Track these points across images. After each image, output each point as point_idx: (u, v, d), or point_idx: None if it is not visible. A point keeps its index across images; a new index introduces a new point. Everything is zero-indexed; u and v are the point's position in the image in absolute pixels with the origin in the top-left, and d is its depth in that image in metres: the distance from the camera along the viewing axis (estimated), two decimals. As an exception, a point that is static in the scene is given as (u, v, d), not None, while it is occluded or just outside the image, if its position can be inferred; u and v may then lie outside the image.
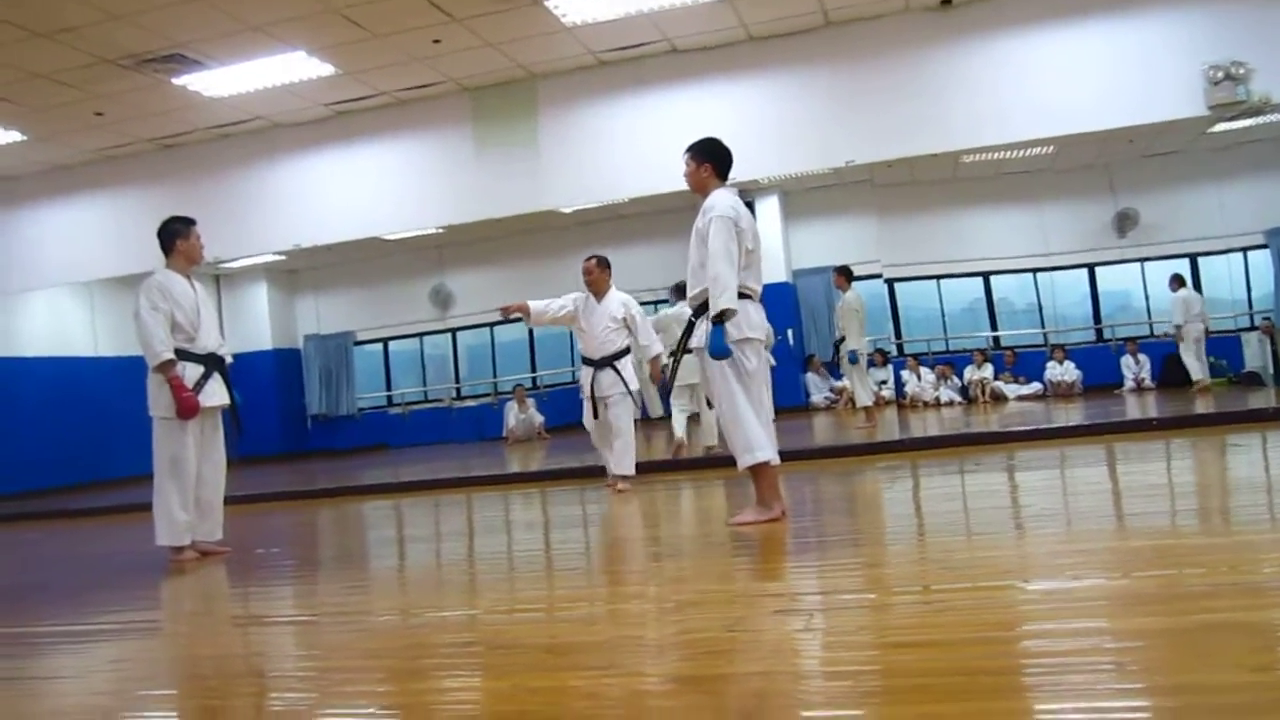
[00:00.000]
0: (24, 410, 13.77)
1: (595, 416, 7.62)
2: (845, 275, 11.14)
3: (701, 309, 5.17)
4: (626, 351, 7.57)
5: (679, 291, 8.64)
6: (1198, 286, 15.11)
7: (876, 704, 2.35)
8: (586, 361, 7.68)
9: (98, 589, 5.58)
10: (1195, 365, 13.35)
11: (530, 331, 17.76)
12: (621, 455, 7.57)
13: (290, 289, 18.47)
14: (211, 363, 6.05)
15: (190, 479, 5.94)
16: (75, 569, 6.75)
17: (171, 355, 5.80)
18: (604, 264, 7.75)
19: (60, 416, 14.13)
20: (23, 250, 12.17)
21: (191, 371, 5.92)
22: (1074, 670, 2.37)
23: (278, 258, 15.22)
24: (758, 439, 5.08)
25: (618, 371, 7.52)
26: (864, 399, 11.24)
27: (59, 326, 15.12)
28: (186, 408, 5.78)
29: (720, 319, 5.03)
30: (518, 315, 7.65)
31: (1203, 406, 10.31)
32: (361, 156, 11.12)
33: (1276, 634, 2.58)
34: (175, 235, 6.06)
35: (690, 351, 5.36)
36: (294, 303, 18.58)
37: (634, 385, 7.60)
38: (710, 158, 5.27)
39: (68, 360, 14.86)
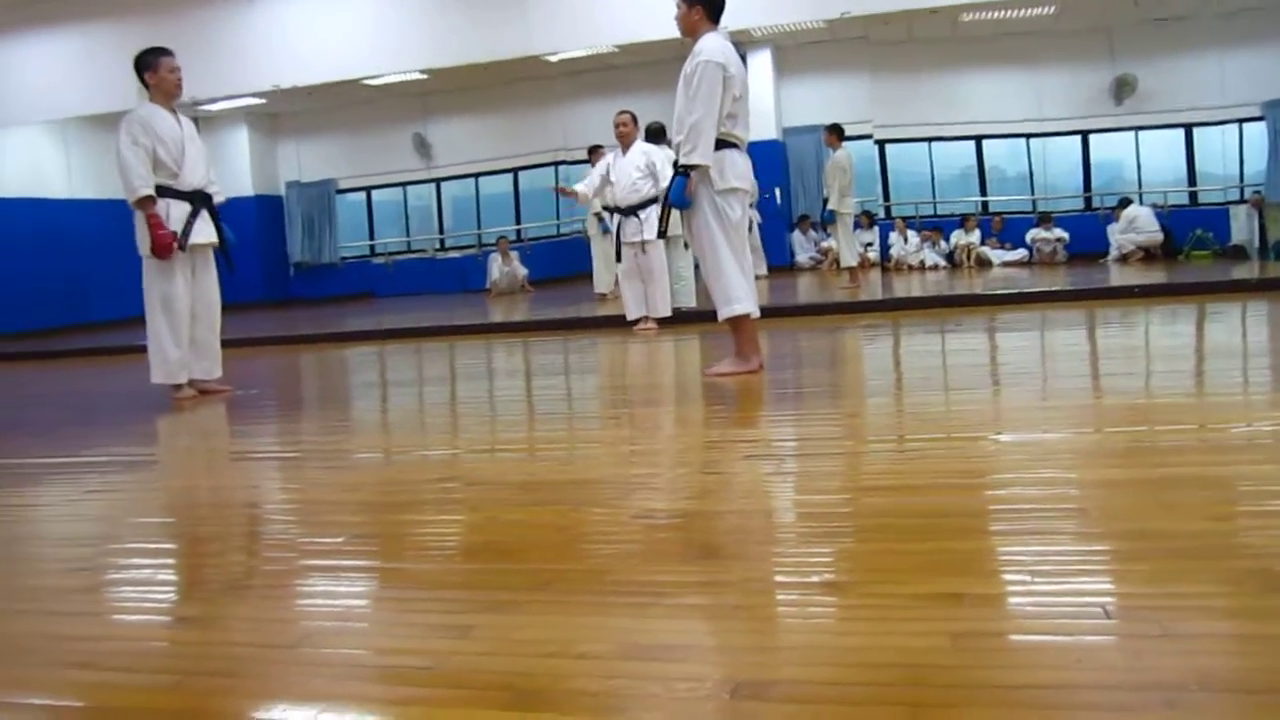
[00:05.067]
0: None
1: (619, 260, 8.25)
2: (836, 133, 10.99)
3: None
4: (654, 200, 7.92)
5: (651, 135, 8.74)
6: (1190, 157, 14.96)
7: (843, 542, 2.39)
8: (615, 209, 8.29)
9: (88, 425, 5.62)
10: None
11: (516, 184, 17.54)
12: (655, 298, 8.20)
13: (272, 134, 18.09)
14: (198, 200, 5.91)
15: (182, 317, 5.88)
16: (66, 407, 6.78)
17: (150, 191, 5.65)
18: (635, 118, 8.29)
19: (36, 259, 13.94)
20: (-5, 85, 11.84)
21: (176, 210, 5.78)
22: (1037, 516, 2.42)
23: (258, 101, 14.84)
24: (739, 290, 5.07)
25: (643, 220, 8.03)
26: (849, 259, 11.22)
27: (34, 167, 14.79)
28: (161, 245, 5.68)
29: (688, 170, 4.97)
30: (571, 194, 8.63)
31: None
32: (344, -5, 10.77)
33: (1237, 488, 2.63)
34: (143, 68, 5.85)
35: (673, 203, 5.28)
36: (275, 148, 18.22)
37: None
38: (701, 0, 5.12)
39: (43, 202, 14.61)
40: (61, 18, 11.46)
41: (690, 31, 5.15)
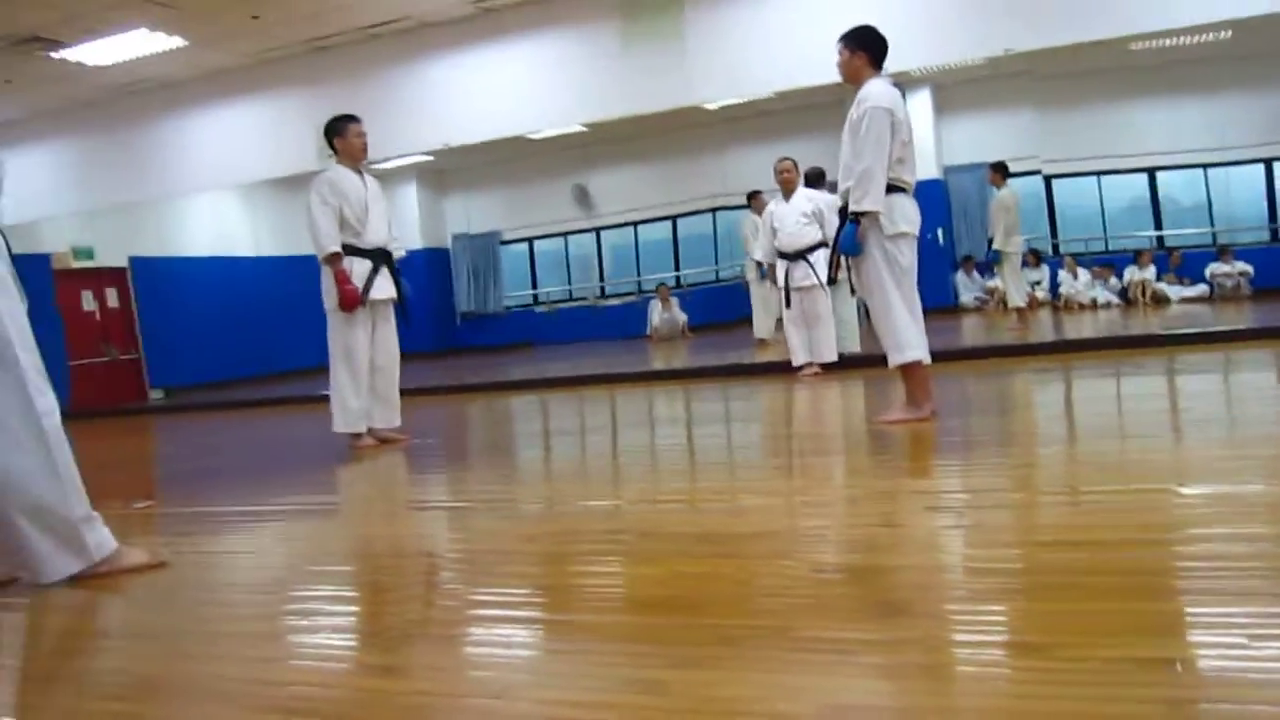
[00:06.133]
0: (192, 307, 14.51)
1: (789, 306, 8.18)
2: (1000, 172, 10.78)
3: None
4: (820, 245, 7.99)
5: (810, 180, 8.67)
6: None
7: (1022, 600, 2.32)
8: (782, 255, 8.25)
9: (274, 474, 5.91)
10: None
11: (674, 231, 17.73)
12: (820, 342, 8.17)
13: (439, 189, 18.82)
14: (379, 257, 6.20)
15: (363, 369, 6.17)
16: (252, 455, 7.15)
17: (337, 248, 5.97)
18: (796, 165, 8.36)
19: (225, 314, 14.85)
20: (187, 154, 12.64)
21: (359, 266, 6.08)
22: (1231, 574, 2.29)
23: (426, 158, 15.46)
24: (909, 337, 5.00)
25: (810, 264, 8.02)
26: (1016, 299, 10.93)
27: (222, 228, 15.78)
28: (348, 300, 5.99)
29: (858, 216, 4.95)
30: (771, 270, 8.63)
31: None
32: (507, 55, 11.13)
33: None
34: (332, 134, 6.22)
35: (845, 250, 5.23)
36: (442, 202, 18.94)
37: (824, 276, 7.87)
38: (864, 46, 5.10)
39: (231, 260, 15.53)
40: (247, 88, 12.18)
41: (853, 78, 5.13)
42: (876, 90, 4.97)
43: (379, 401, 6.32)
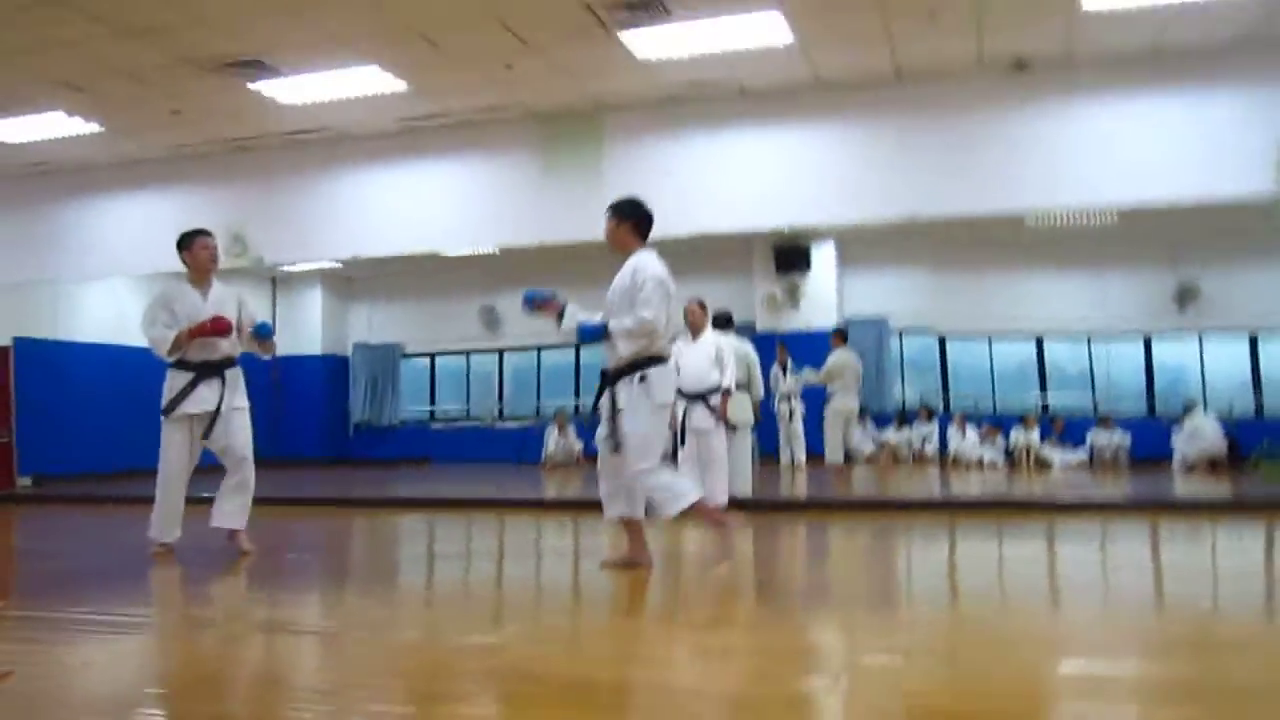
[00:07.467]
0: (74, 394, 13.97)
1: (683, 444, 7.92)
2: (841, 336, 11.59)
3: (633, 365, 5.22)
4: (717, 389, 7.95)
5: (718, 322, 8.83)
6: (1256, 366, 14.86)
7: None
8: (682, 394, 7.96)
9: (138, 578, 5.65)
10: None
11: (578, 358, 17.77)
12: (713, 485, 7.84)
13: (344, 296, 18.63)
14: (204, 370, 6.14)
15: (176, 477, 6.22)
16: (117, 556, 6.83)
17: (173, 334, 5.97)
18: (705, 306, 8.24)
19: (108, 403, 14.30)
20: (92, 239, 12.37)
21: (178, 380, 6.12)
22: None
23: (334, 265, 15.36)
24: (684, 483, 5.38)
25: (710, 407, 7.90)
26: (834, 454, 11.51)
27: (115, 315, 15.34)
28: (216, 326, 5.95)
29: (602, 334, 5.26)
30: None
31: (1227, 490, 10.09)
32: (426, 173, 11.22)
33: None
34: (181, 248, 6.27)
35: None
36: (346, 310, 18.73)
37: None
38: (630, 216, 5.33)
39: (121, 349, 15.07)
40: (160, 179, 12.04)
41: (620, 246, 5.36)
42: (652, 261, 5.24)
43: (226, 500, 6.24)
